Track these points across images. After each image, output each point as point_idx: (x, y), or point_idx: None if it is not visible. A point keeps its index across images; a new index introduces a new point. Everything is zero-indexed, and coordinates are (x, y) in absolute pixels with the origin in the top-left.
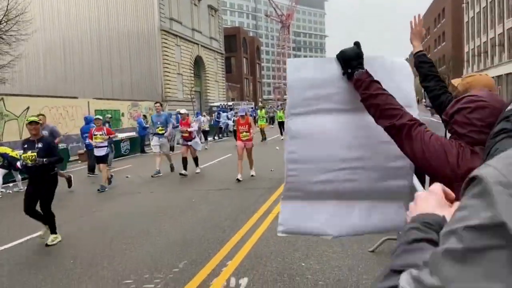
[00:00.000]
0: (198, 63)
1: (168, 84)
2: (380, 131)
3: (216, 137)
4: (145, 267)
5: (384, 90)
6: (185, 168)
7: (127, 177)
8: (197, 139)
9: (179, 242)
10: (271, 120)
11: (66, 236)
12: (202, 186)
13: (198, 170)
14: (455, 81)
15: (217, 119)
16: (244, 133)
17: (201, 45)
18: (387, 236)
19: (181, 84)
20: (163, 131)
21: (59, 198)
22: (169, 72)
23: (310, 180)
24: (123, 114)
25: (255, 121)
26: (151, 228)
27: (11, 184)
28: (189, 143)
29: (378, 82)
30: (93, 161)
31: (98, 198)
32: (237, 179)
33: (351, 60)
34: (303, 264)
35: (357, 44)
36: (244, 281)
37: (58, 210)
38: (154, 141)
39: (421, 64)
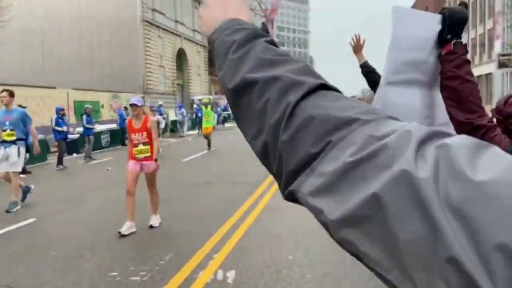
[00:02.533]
0: (180, 56)
1: (150, 76)
2: (444, 116)
3: (199, 131)
4: (130, 260)
5: (473, 76)
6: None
7: (108, 169)
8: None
9: (164, 235)
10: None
11: (48, 228)
12: (186, 180)
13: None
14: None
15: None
16: (141, 147)
17: (184, 38)
18: None
19: (163, 77)
20: (14, 138)
21: (39, 190)
22: (151, 64)
23: None
24: (102, 106)
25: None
26: (135, 221)
27: None
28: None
29: (469, 62)
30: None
31: (77, 191)
32: (120, 233)
33: (459, 25)
34: (290, 257)
35: (464, 3)
36: (231, 274)
37: (38, 201)
38: None
39: (369, 73)
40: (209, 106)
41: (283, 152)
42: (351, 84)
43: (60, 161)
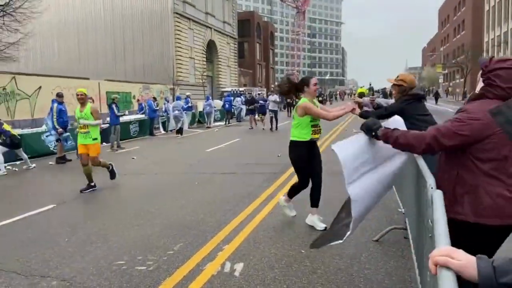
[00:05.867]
0: (210, 48)
1: (180, 67)
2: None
3: (227, 122)
4: (139, 248)
5: (402, 131)
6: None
7: (133, 158)
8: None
9: (177, 224)
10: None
11: (64, 214)
12: (207, 169)
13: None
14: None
15: (227, 104)
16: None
17: (214, 29)
18: (393, 226)
19: (193, 68)
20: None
21: (62, 177)
22: (181, 56)
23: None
24: (134, 97)
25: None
26: (151, 209)
27: (18, 162)
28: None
29: (396, 129)
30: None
31: (100, 177)
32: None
33: (372, 128)
34: (302, 251)
35: (373, 117)
36: (239, 266)
37: (59, 188)
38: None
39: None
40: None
41: None
42: (383, 77)
43: None
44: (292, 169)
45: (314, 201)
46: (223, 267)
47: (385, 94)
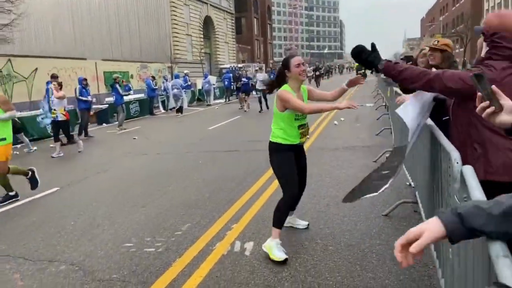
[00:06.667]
0: (207, 24)
1: (177, 45)
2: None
3: (227, 99)
4: (147, 230)
5: (407, 65)
6: None
7: (134, 138)
8: None
9: (183, 204)
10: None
11: (70, 197)
12: (210, 147)
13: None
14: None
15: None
16: None
17: (210, 5)
18: (402, 200)
19: (190, 46)
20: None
21: (65, 159)
22: (178, 33)
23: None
24: (132, 76)
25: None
26: (155, 190)
27: (18, 146)
28: None
29: (397, 62)
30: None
31: (102, 160)
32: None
33: (360, 54)
34: (312, 228)
35: (357, 48)
36: (249, 245)
37: (63, 171)
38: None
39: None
40: None
41: None
42: (382, 50)
43: (85, 132)
44: None
45: (294, 206)
46: (233, 247)
47: None
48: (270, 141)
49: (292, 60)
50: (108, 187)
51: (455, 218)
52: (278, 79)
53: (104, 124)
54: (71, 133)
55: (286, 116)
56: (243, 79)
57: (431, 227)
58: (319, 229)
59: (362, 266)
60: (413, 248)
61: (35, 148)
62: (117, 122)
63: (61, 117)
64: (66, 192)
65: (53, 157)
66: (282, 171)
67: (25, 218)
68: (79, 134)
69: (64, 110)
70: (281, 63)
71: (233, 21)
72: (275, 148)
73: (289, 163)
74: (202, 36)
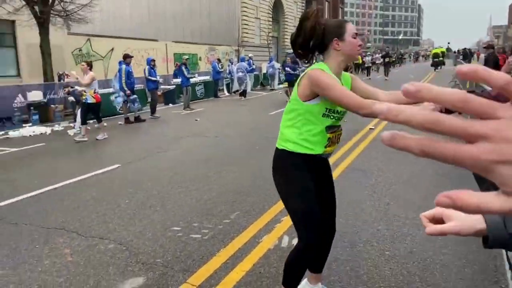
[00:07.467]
0: (277, 7)
1: (245, 28)
2: None
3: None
4: (196, 215)
5: None
6: None
7: (196, 120)
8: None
9: (235, 190)
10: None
11: (127, 176)
12: (269, 133)
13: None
14: None
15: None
16: None
17: None
18: None
19: (258, 29)
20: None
21: (124, 138)
22: (247, 16)
23: None
24: (200, 58)
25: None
26: (210, 173)
27: (91, 121)
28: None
29: None
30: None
31: (163, 140)
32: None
33: None
34: (369, 229)
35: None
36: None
37: (122, 150)
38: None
39: None
40: None
41: None
42: (463, 37)
43: (153, 111)
44: (360, 135)
45: (318, 265)
46: (281, 241)
47: (465, 55)
48: (276, 148)
49: (348, 26)
50: (165, 168)
51: (500, 220)
52: (324, 34)
53: (170, 105)
54: (135, 115)
55: (311, 109)
56: (287, 68)
57: (473, 217)
58: (376, 230)
59: (422, 278)
60: (438, 231)
61: (105, 124)
62: (182, 103)
63: (90, 100)
64: (126, 169)
65: (97, 139)
66: (295, 201)
67: (85, 193)
68: (152, 113)
69: (94, 92)
70: (326, 27)
71: (303, 5)
72: (282, 160)
73: (305, 186)
74: (271, 19)
